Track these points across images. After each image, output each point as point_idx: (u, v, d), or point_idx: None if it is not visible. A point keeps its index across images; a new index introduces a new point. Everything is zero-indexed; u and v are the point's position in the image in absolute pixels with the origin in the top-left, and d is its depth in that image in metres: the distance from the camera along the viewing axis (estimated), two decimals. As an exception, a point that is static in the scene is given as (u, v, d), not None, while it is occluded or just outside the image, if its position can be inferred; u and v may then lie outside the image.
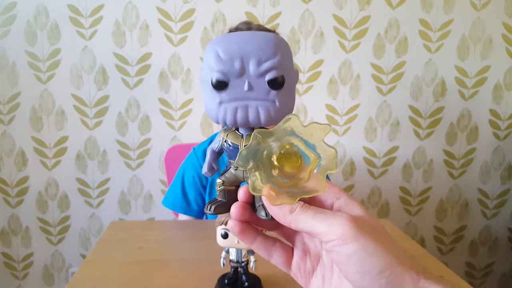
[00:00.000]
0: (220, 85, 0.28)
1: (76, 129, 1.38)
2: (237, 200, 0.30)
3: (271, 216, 0.28)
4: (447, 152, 1.53)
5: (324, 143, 0.25)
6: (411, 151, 1.52)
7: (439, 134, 1.51)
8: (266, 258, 0.31)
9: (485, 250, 1.63)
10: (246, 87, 0.28)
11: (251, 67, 0.28)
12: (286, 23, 1.37)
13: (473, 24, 1.43)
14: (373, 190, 1.54)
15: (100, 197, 1.44)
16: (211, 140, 1.05)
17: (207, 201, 0.97)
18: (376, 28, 1.40)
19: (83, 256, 1.46)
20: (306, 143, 0.25)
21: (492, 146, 1.54)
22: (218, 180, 0.31)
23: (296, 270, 0.30)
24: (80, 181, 1.42)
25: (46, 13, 1.29)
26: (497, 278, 1.66)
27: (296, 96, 0.35)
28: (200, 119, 1.41)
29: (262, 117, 0.28)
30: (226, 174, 0.31)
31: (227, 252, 0.60)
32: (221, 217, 0.54)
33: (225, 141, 0.30)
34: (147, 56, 1.35)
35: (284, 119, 0.25)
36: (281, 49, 0.28)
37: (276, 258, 0.30)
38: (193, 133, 1.41)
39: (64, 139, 1.38)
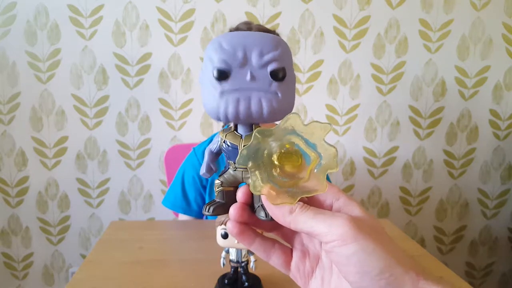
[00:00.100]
0: (222, 75, 0.27)
1: (76, 129, 1.38)
2: (236, 201, 0.30)
3: (271, 217, 0.27)
4: (447, 152, 1.53)
5: (325, 142, 0.25)
6: (411, 151, 1.52)
7: (439, 134, 1.51)
8: (265, 260, 0.31)
9: (485, 250, 1.63)
10: (248, 77, 0.28)
11: (254, 58, 0.28)
12: (286, 23, 1.37)
13: (473, 24, 1.43)
14: (373, 190, 1.54)
15: (100, 197, 1.44)
16: (211, 140, 1.05)
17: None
18: (376, 28, 1.40)
19: (83, 256, 1.47)
20: (306, 142, 0.25)
21: (492, 146, 1.54)
22: (217, 181, 0.31)
23: (295, 271, 0.30)
24: (80, 181, 1.42)
25: (46, 13, 1.29)
26: (497, 278, 1.66)
27: (296, 96, 0.36)
28: (200, 119, 1.41)
29: (265, 108, 0.28)
30: (225, 175, 0.31)
31: (227, 252, 0.60)
32: (221, 217, 0.54)
33: (224, 142, 0.30)
34: (147, 56, 1.35)
35: (285, 118, 0.25)
36: (282, 46, 0.29)
37: (275, 260, 0.30)
38: (193, 133, 1.41)
39: (64, 139, 1.38)
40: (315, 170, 0.25)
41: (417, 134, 1.51)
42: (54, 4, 1.29)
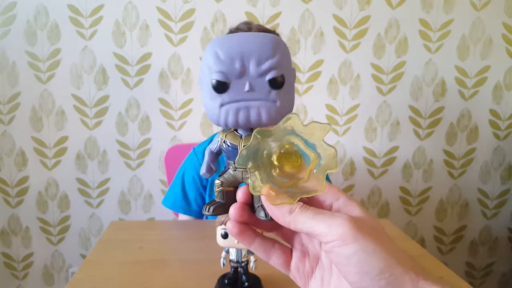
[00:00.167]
0: (220, 86, 0.28)
1: (76, 129, 1.38)
2: (236, 201, 0.30)
3: (270, 217, 0.27)
4: (447, 152, 1.53)
5: (324, 142, 0.25)
6: (411, 151, 1.52)
7: (439, 134, 1.51)
8: (264, 260, 0.31)
9: (485, 250, 1.63)
10: (247, 88, 0.28)
11: (251, 67, 0.28)
12: (286, 23, 1.37)
13: (473, 24, 1.43)
14: (373, 190, 1.54)
15: (100, 197, 1.44)
16: (211, 140, 1.05)
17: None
18: (376, 28, 1.40)
19: (83, 256, 1.47)
20: (306, 142, 0.25)
21: (492, 146, 1.54)
22: (217, 181, 0.31)
23: (295, 271, 0.30)
24: (80, 181, 1.42)
25: (46, 13, 1.29)
26: (497, 278, 1.66)
27: (296, 96, 0.36)
28: (200, 119, 1.41)
29: (264, 117, 0.28)
30: (225, 175, 0.31)
31: (227, 252, 0.60)
32: (221, 217, 0.54)
33: (224, 142, 0.30)
34: (147, 56, 1.35)
35: (284, 118, 0.25)
36: (280, 49, 0.29)
37: (274, 260, 0.30)
38: (193, 133, 1.41)
39: (64, 139, 1.38)
40: (315, 171, 0.25)
41: (417, 134, 1.51)
42: (54, 4, 1.29)
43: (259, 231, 0.31)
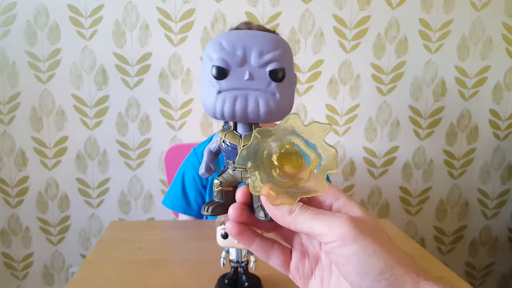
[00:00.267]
0: (220, 73, 0.27)
1: (76, 129, 1.38)
2: (235, 201, 0.29)
3: (270, 217, 0.27)
4: (447, 152, 1.53)
5: (325, 142, 0.24)
6: (411, 151, 1.52)
7: (439, 134, 1.51)
8: (264, 260, 0.31)
9: (485, 250, 1.63)
10: (246, 76, 0.27)
11: (253, 57, 0.28)
12: (286, 23, 1.37)
13: (473, 24, 1.43)
14: (373, 190, 1.54)
15: (100, 197, 1.44)
16: (211, 140, 1.05)
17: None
18: (376, 28, 1.40)
19: (83, 256, 1.47)
20: (306, 142, 0.25)
21: (492, 146, 1.54)
22: (216, 181, 0.31)
23: (295, 271, 0.30)
24: (80, 181, 1.42)
25: (46, 13, 1.29)
26: (497, 278, 1.66)
27: (296, 96, 0.36)
28: (200, 119, 1.41)
29: (262, 109, 0.27)
30: (224, 175, 0.31)
31: (227, 252, 0.60)
32: (221, 217, 0.54)
33: (223, 142, 0.30)
34: (147, 56, 1.35)
35: (285, 118, 0.25)
36: (283, 46, 0.29)
37: (274, 260, 0.30)
38: (193, 133, 1.41)
39: (64, 139, 1.38)
40: (315, 171, 0.25)
41: (417, 134, 1.51)
42: (54, 4, 1.29)
43: (259, 231, 0.31)
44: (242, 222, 0.29)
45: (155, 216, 1.47)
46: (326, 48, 1.40)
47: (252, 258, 0.60)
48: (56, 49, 1.32)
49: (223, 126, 0.31)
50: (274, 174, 0.26)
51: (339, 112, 1.46)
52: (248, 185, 0.29)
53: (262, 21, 1.36)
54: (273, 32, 0.92)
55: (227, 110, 0.27)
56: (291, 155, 0.25)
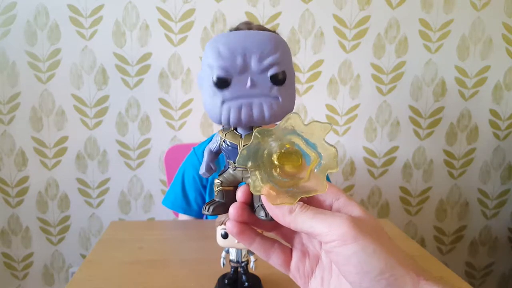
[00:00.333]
0: (222, 83, 0.27)
1: (76, 129, 1.38)
2: (236, 201, 0.29)
3: (271, 217, 0.27)
4: (447, 152, 1.53)
5: (325, 142, 0.24)
6: (411, 151, 1.52)
7: (439, 134, 1.51)
8: (264, 259, 0.31)
9: (485, 250, 1.63)
10: (249, 84, 0.27)
11: (253, 63, 0.27)
12: (286, 23, 1.37)
13: (473, 24, 1.43)
14: (373, 190, 1.54)
15: (100, 197, 1.44)
16: (211, 139, 1.05)
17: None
18: (376, 28, 1.40)
19: (83, 256, 1.46)
20: (307, 142, 0.25)
21: (492, 146, 1.54)
22: (216, 181, 0.31)
23: (295, 271, 0.30)
24: (80, 181, 1.42)
25: (46, 13, 1.29)
26: (497, 278, 1.66)
27: (296, 96, 0.35)
28: (200, 119, 1.41)
29: (266, 113, 0.28)
30: (225, 175, 0.31)
31: (227, 252, 0.60)
32: (221, 217, 0.54)
33: (224, 141, 0.30)
34: (147, 56, 1.35)
35: (285, 118, 0.25)
36: (281, 47, 0.29)
37: (274, 259, 0.30)
38: (193, 133, 1.41)
39: (64, 139, 1.38)
40: (315, 170, 0.25)
41: (417, 134, 1.51)
42: (54, 4, 1.29)
43: (259, 230, 0.31)
44: (243, 221, 0.29)
45: (155, 216, 1.47)
46: (326, 48, 1.40)
47: (252, 258, 0.60)
48: (56, 49, 1.32)
49: (223, 126, 0.31)
50: (275, 173, 0.26)
51: (339, 112, 1.46)
52: (248, 185, 0.29)
53: (262, 21, 1.36)
54: (273, 32, 0.92)
55: (232, 119, 0.28)
56: (291, 154, 0.25)
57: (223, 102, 0.28)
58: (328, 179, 0.32)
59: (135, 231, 0.87)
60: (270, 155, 0.25)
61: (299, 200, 0.25)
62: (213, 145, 0.32)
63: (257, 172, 0.25)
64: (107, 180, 1.43)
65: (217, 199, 0.31)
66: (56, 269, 1.47)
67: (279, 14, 1.36)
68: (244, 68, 0.28)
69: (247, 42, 0.28)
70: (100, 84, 1.35)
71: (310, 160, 0.25)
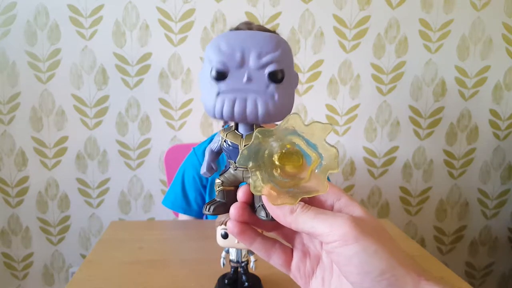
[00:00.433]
0: (219, 75, 0.28)
1: (76, 129, 1.38)
2: (236, 201, 0.30)
3: (271, 217, 0.27)
4: (447, 152, 1.53)
5: (326, 142, 0.24)
6: (411, 151, 1.52)
7: (439, 134, 1.51)
8: (265, 259, 0.31)
9: (485, 250, 1.64)
10: (245, 78, 0.28)
11: (252, 59, 0.28)
12: (286, 23, 1.37)
13: (473, 24, 1.43)
14: (373, 190, 1.54)
15: (100, 197, 1.44)
16: (211, 140, 1.05)
17: (207, 200, 0.97)
18: (376, 28, 1.40)
19: (83, 256, 1.46)
20: (307, 142, 0.25)
21: (492, 146, 1.54)
22: (217, 181, 0.31)
23: (296, 271, 0.30)
24: (80, 181, 1.42)
25: (46, 13, 1.29)
26: (497, 278, 1.66)
27: (296, 96, 0.36)
28: (200, 119, 1.41)
29: (260, 110, 0.28)
30: (225, 174, 0.31)
31: (227, 252, 0.60)
32: (221, 217, 0.54)
33: (225, 141, 0.30)
34: (147, 56, 1.35)
35: (286, 118, 0.25)
36: (282, 47, 0.29)
37: (275, 259, 0.30)
38: (193, 133, 1.41)
39: (64, 139, 1.38)
40: (316, 171, 0.25)
41: (417, 134, 1.51)
42: (54, 4, 1.29)
43: (260, 230, 0.31)
44: (244, 221, 0.29)
45: (155, 216, 1.47)
46: (326, 48, 1.40)
47: (252, 258, 0.60)
48: (56, 49, 1.32)
49: (223, 126, 0.31)
50: (275, 174, 0.26)
51: (339, 112, 1.46)
52: (249, 185, 0.29)
53: (262, 21, 1.36)
54: (273, 32, 0.92)
55: (226, 111, 0.28)
56: (292, 155, 0.25)
57: (218, 93, 0.28)
58: (328, 179, 0.32)
59: (135, 231, 0.87)
60: (271, 155, 0.25)
61: (300, 201, 0.25)
62: (214, 145, 0.32)
63: (258, 172, 0.25)
64: (107, 180, 1.43)
65: (218, 199, 0.31)
66: (56, 269, 1.47)
67: (279, 14, 1.36)
68: (242, 63, 0.28)
69: (249, 40, 0.28)
70: (100, 84, 1.35)
71: (311, 160, 0.25)
